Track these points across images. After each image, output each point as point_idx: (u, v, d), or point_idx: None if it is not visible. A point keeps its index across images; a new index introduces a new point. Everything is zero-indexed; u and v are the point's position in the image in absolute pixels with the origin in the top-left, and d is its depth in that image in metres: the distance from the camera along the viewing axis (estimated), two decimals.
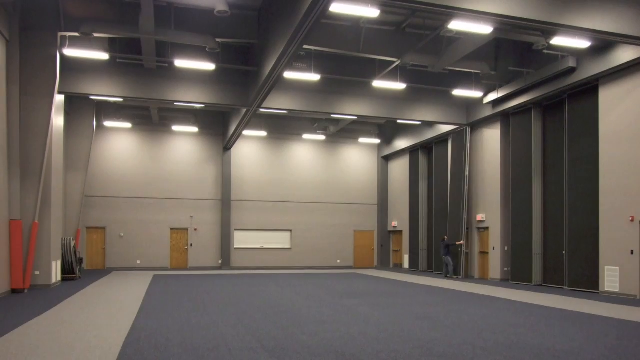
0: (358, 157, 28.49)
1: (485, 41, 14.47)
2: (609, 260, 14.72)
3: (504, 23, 11.30)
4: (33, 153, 14.70)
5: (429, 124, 23.31)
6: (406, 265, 26.50)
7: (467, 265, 21.44)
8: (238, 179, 26.20)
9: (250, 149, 26.52)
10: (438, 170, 24.38)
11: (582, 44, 13.38)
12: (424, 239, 25.23)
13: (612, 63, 14.22)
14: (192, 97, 17.83)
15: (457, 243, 21.20)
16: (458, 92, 18.37)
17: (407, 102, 20.64)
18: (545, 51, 15.63)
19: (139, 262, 24.50)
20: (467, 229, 21.38)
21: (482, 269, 20.88)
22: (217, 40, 15.32)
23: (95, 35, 14.64)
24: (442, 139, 23.68)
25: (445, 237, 21.77)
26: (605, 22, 11.29)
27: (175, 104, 18.27)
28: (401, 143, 26.28)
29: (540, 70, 16.50)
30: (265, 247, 26.59)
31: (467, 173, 21.16)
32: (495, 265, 19.72)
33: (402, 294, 14.45)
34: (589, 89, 15.92)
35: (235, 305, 11.64)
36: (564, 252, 16.78)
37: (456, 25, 11.77)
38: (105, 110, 23.78)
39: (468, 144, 21.19)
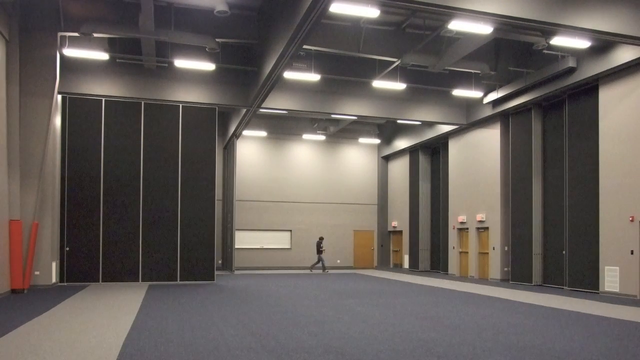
0: (358, 157, 28.50)
1: (485, 41, 14.47)
2: (609, 260, 14.72)
3: (504, 23, 11.30)
4: (33, 153, 14.71)
5: (429, 124, 23.31)
6: (406, 265, 26.50)
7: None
8: (238, 178, 26.19)
9: (250, 149, 26.53)
10: (438, 170, 24.40)
11: (582, 44, 13.39)
12: (424, 239, 25.24)
13: (612, 63, 14.22)
14: (192, 97, 17.83)
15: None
16: (458, 92, 18.37)
17: (407, 102, 20.65)
18: (545, 51, 15.63)
19: None
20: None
21: (482, 269, 20.89)
22: (217, 40, 15.32)
23: (95, 35, 14.64)
24: (442, 139, 23.70)
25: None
26: (605, 22, 11.30)
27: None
28: (401, 143, 26.29)
29: (540, 70, 16.50)
30: (265, 247, 26.59)
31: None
32: (495, 265, 19.72)
33: (402, 294, 14.45)
34: (589, 89, 15.92)
35: (235, 305, 11.64)
36: (564, 252, 16.78)
37: (456, 25, 11.77)
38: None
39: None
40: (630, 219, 14.07)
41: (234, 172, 23.43)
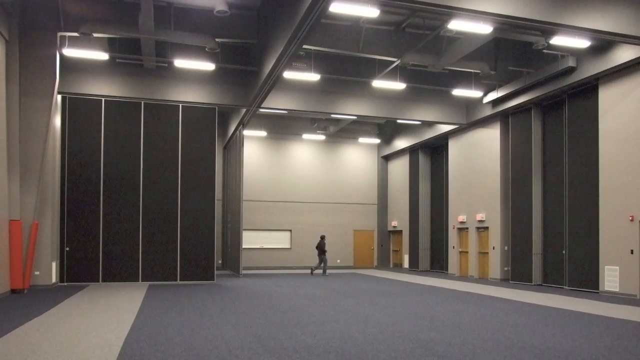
0: (358, 157, 28.50)
1: (485, 41, 14.46)
2: (609, 260, 14.72)
3: (504, 23, 11.31)
4: (33, 153, 14.71)
5: (429, 124, 23.32)
6: (406, 265, 26.50)
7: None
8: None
9: (250, 149, 26.52)
10: (438, 169, 24.39)
11: (582, 43, 13.39)
12: (424, 239, 25.24)
13: (612, 63, 14.21)
14: (192, 97, 17.83)
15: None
16: (458, 92, 18.37)
17: (407, 102, 20.65)
18: (545, 51, 15.63)
19: None
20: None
21: (482, 269, 20.89)
22: (217, 40, 15.32)
23: (95, 35, 14.64)
24: (442, 139, 23.70)
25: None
26: (605, 22, 11.30)
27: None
28: (401, 143, 26.29)
29: (540, 70, 16.51)
30: (265, 247, 26.59)
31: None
32: (495, 265, 19.72)
33: (402, 294, 14.45)
34: (589, 89, 15.92)
35: (235, 306, 11.64)
36: (564, 252, 16.78)
37: (456, 25, 11.76)
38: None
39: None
40: (630, 218, 14.08)
41: (241, 166, 21.96)
